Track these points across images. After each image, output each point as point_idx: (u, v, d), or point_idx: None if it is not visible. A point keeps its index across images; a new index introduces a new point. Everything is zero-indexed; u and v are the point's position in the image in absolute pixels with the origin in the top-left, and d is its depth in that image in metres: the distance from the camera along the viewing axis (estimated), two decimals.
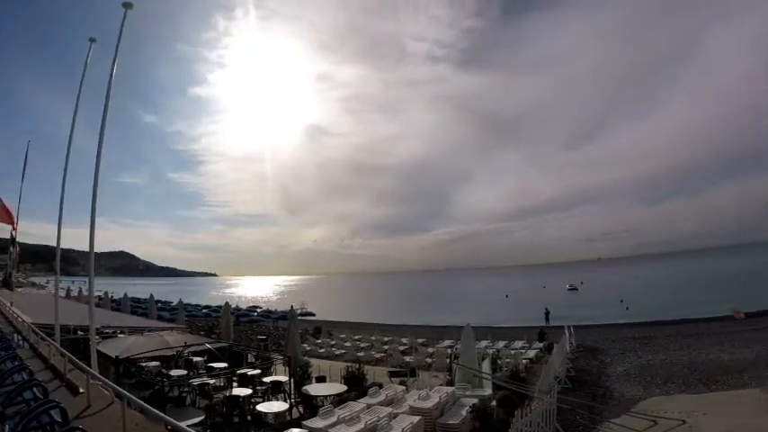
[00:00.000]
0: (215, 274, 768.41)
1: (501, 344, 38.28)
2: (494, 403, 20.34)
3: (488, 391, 22.05)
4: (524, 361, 31.49)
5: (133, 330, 30.74)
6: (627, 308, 77.78)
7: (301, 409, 20.48)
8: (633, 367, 32.28)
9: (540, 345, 37.82)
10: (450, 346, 36.57)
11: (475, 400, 20.08)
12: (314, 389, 21.57)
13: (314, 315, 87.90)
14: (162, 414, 7.69)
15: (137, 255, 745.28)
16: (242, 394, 19.83)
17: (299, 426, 16.30)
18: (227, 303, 37.93)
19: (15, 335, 21.91)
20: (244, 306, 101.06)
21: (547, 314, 70.71)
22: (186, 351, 25.63)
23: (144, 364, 22.91)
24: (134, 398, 8.59)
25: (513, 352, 34.67)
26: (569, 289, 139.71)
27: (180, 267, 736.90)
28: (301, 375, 25.47)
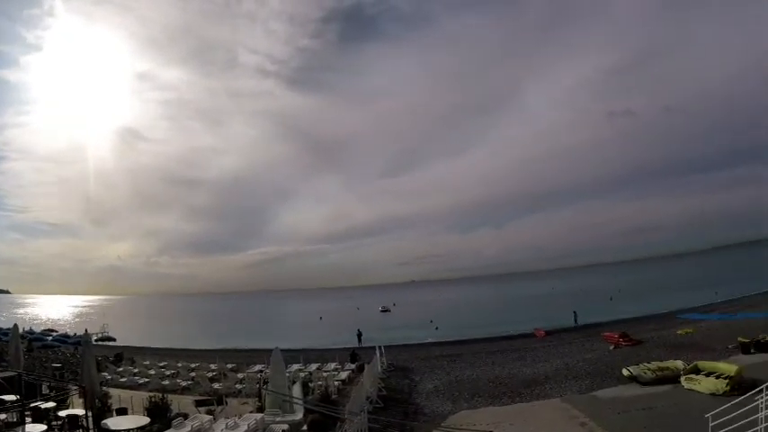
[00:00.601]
0: (8, 291, 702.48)
1: (313, 366, 37.92)
2: (305, 428, 19.72)
3: (299, 415, 21.39)
4: (336, 383, 31.16)
5: None
6: (436, 327, 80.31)
7: None
8: (442, 384, 32.93)
9: (353, 366, 37.62)
10: (261, 371, 35.43)
11: (285, 426, 19.38)
12: (114, 422, 19.70)
13: (114, 340, 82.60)
14: None
15: None
16: (36, 431, 17.66)
17: None
18: (15, 326, 34.18)
19: None
20: (38, 329, 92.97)
21: (359, 335, 70.93)
22: None
23: None
24: None
25: (325, 374, 34.23)
26: (382, 311, 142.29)
27: None
28: (100, 408, 23.27)
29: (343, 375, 33.92)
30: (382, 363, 38.35)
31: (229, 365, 40.20)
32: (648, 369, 28.55)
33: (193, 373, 37.58)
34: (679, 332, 44.45)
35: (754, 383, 18.93)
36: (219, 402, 26.38)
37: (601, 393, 26.99)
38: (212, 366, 40.08)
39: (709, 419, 16.52)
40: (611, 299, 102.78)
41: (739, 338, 34.32)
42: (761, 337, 33.01)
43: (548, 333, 58.97)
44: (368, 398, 25.76)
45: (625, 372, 29.07)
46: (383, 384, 31.50)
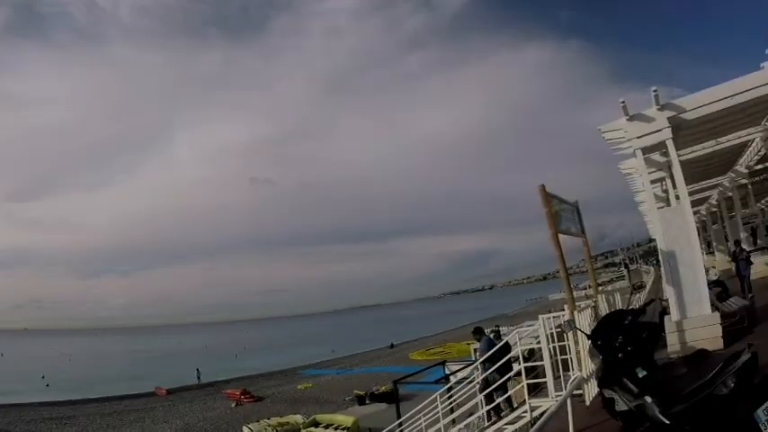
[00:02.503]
0: None
1: None
2: None
3: None
4: None
5: None
6: (47, 384, 72.84)
7: None
8: None
9: None
10: None
11: None
12: None
13: None
14: None
15: None
16: None
17: None
18: None
19: None
20: None
21: None
22: None
23: None
24: None
25: None
26: None
27: None
28: None
29: None
30: None
31: None
32: (269, 425, 28.99)
33: None
34: (300, 387, 46.29)
35: None
36: None
37: None
38: None
39: None
40: (236, 356, 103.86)
41: (355, 391, 36.67)
42: (375, 388, 35.58)
43: (169, 392, 56.71)
44: None
45: (246, 429, 29.16)
46: None
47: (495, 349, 12.11)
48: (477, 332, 15.53)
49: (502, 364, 11.87)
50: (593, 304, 12.57)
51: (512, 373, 12.01)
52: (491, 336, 16.30)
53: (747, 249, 20.40)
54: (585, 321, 10.56)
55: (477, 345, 16.31)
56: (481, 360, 13.08)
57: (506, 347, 12.72)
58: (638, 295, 26.17)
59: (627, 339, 5.72)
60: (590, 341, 6.29)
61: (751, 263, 18.88)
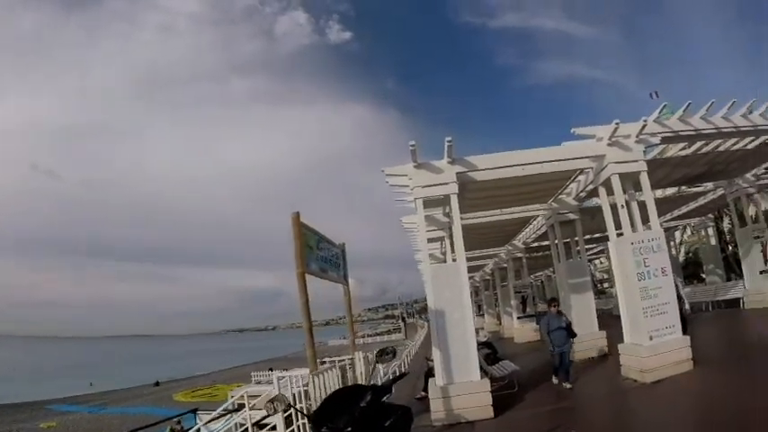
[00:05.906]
0: None
1: None
2: None
3: None
4: None
5: None
6: None
7: None
8: None
9: None
10: None
11: None
12: None
13: None
14: None
15: None
16: None
17: None
18: None
19: None
20: None
21: None
22: None
23: None
24: None
25: None
26: None
27: None
28: None
29: None
30: None
31: None
32: None
33: None
34: (42, 425, 41.87)
35: None
36: None
37: None
38: None
39: None
40: None
41: None
42: None
43: None
44: None
45: None
46: None
47: None
48: None
49: None
50: (344, 363, 11.45)
51: None
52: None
53: (560, 315, 13.27)
54: (333, 386, 9.40)
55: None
56: None
57: None
58: (385, 365, 19.21)
59: (360, 427, 4.02)
60: (312, 426, 4.53)
61: (575, 334, 13.33)
